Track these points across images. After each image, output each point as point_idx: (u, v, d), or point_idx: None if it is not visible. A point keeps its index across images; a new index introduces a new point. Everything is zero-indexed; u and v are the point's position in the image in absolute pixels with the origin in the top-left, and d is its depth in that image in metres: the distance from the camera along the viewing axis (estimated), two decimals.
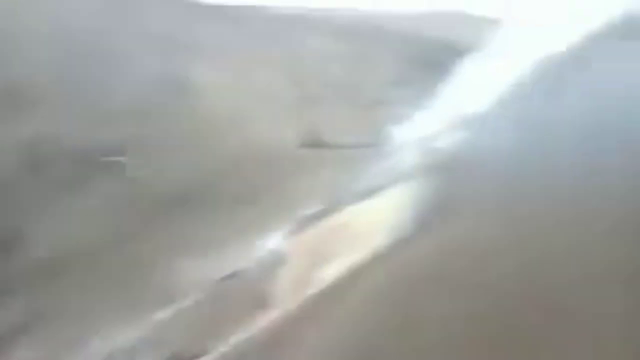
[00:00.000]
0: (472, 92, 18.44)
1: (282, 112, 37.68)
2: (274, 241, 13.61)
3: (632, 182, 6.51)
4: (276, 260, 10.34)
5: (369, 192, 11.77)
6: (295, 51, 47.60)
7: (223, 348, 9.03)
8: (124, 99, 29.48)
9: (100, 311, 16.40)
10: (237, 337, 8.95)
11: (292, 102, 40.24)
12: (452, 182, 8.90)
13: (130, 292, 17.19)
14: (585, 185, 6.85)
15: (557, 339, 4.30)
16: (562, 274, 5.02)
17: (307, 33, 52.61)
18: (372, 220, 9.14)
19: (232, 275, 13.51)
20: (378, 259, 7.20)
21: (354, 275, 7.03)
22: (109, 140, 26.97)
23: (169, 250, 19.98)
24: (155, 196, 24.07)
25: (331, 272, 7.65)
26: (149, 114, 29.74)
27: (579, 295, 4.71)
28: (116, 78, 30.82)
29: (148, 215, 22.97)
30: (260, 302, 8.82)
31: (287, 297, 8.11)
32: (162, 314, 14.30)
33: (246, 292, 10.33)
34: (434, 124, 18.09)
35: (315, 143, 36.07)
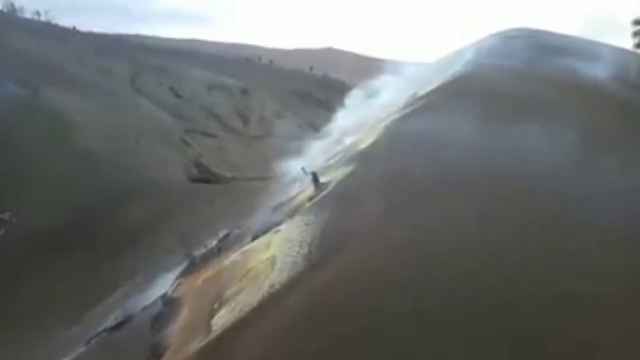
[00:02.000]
0: (358, 126, 19.28)
1: (168, 146, 36.62)
2: (165, 284, 12.90)
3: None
4: (169, 306, 9.84)
5: (262, 228, 11.71)
6: (180, 84, 46.84)
7: None
8: None
9: None
10: None
11: (178, 136, 39.33)
12: (343, 214, 9.12)
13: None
14: (465, 213, 7.38)
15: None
16: (458, 296, 5.34)
17: (194, 66, 52.11)
18: (266, 257, 9.08)
19: (121, 325, 12.52)
20: (275, 296, 7.15)
21: (253, 315, 6.91)
22: None
23: (43, 302, 18.20)
24: (25, 241, 21.96)
25: (229, 314, 7.44)
26: (17, 150, 27.38)
27: (475, 317, 5.05)
28: None
29: (17, 264, 20.90)
30: (154, 351, 8.33)
31: (183, 344, 7.74)
32: None
33: (137, 342, 9.69)
34: (322, 157, 18.57)
35: (204, 177, 35.36)
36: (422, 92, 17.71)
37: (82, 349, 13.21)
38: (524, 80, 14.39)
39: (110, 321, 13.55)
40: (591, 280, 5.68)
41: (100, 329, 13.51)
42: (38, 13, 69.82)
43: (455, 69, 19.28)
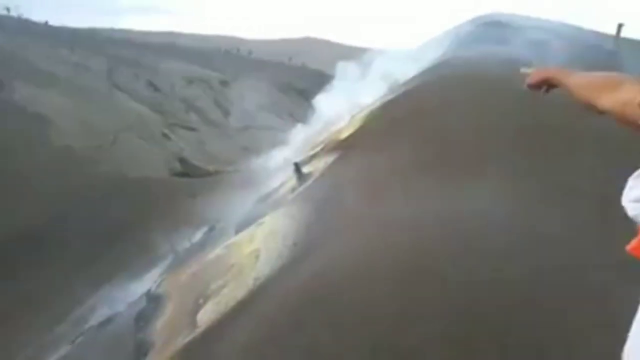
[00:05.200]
0: (339, 117, 19.23)
1: (148, 141, 36.19)
2: (148, 281, 12.81)
3: None
4: (153, 302, 9.73)
5: (246, 221, 11.64)
6: (158, 77, 46.21)
7: None
8: None
9: None
10: None
11: (158, 130, 38.88)
12: (327, 204, 9.08)
13: None
14: (454, 201, 7.36)
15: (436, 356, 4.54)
16: (441, 291, 5.31)
17: (172, 59, 51.44)
18: (250, 250, 9.02)
19: (104, 323, 12.40)
20: (261, 289, 7.09)
21: (238, 309, 6.85)
22: None
23: (25, 300, 17.98)
24: (3, 241, 21.63)
25: (214, 309, 7.37)
26: None
27: (459, 318, 5.03)
28: None
29: None
30: (139, 348, 8.25)
31: (168, 341, 7.65)
32: None
33: (122, 340, 9.58)
34: (304, 148, 18.51)
35: (186, 171, 35.07)
36: (402, 80, 17.72)
37: (67, 348, 13.07)
38: (507, 67, 14.28)
39: (95, 319, 13.42)
40: None
41: (85, 327, 13.37)
42: (8, 9, 68.49)
43: (435, 55, 19.29)
